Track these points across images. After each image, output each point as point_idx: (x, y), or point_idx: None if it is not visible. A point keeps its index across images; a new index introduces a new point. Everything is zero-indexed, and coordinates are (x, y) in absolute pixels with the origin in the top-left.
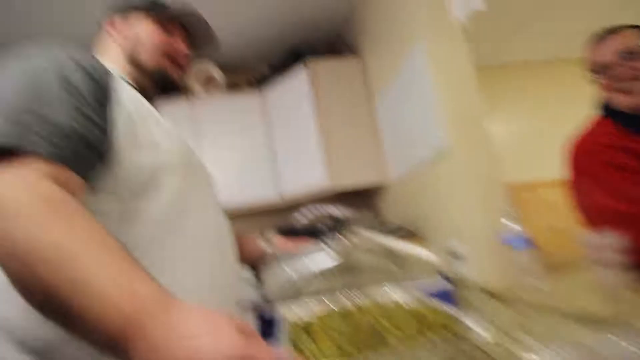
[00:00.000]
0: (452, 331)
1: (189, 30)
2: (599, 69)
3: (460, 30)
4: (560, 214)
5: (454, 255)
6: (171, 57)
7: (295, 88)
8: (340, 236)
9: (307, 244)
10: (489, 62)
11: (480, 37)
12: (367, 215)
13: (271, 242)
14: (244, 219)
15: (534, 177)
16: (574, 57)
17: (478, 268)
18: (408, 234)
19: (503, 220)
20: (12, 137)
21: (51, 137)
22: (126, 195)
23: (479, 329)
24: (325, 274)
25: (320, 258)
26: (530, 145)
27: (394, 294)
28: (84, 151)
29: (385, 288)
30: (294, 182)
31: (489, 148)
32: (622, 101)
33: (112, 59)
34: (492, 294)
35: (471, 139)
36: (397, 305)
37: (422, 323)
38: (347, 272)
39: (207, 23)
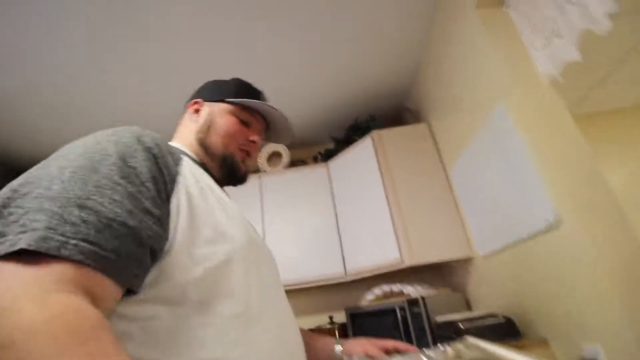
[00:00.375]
0: None
1: (269, 122)
2: None
3: (548, 82)
4: None
5: None
6: (241, 146)
7: (360, 160)
8: (442, 344)
9: (395, 350)
10: (582, 110)
11: (569, 87)
12: (447, 294)
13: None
14: (307, 293)
15: None
16: None
17: None
18: (504, 323)
19: None
20: (46, 241)
21: (89, 236)
22: (184, 299)
23: None
24: None
25: None
26: None
27: None
28: (134, 250)
29: None
30: (362, 257)
31: (615, 209)
32: None
33: (184, 138)
34: None
35: (586, 201)
36: None
37: None
38: None
39: (286, 119)
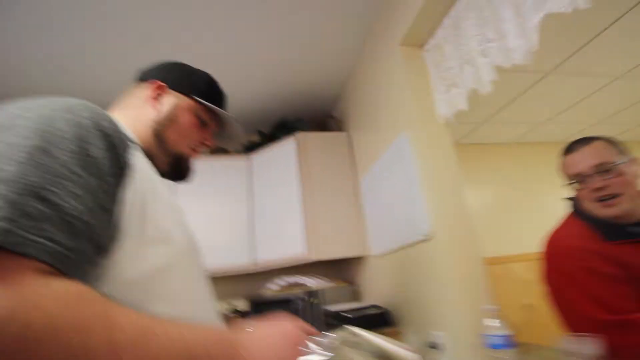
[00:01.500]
0: None
1: (223, 128)
2: (575, 178)
3: (443, 122)
4: (529, 289)
5: (433, 346)
6: (195, 146)
7: (282, 158)
8: (328, 331)
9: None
10: (467, 140)
11: (460, 122)
12: (343, 288)
13: None
14: (217, 281)
15: (504, 251)
16: (541, 140)
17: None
18: (382, 313)
19: (485, 320)
20: (9, 236)
21: (52, 234)
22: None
23: None
24: None
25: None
26: (500, 221)
27: None
28: (88, 248)
29: None
30: (271, 250)
31: (471, 229)
32: (602, 212)
33: (138, 124)
34: None
35: (453, 222)
36: None
37: None
38: None
39: (241, 127)
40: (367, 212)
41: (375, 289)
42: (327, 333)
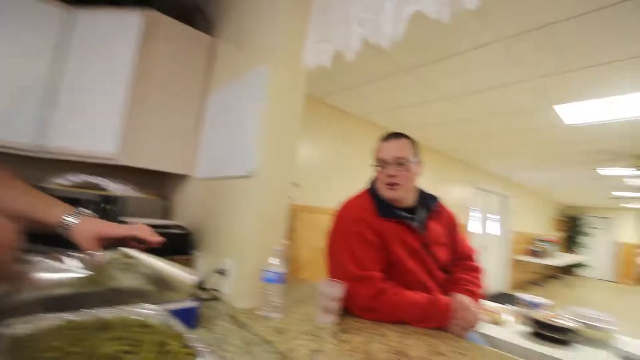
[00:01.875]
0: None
1: None
2: (379, 162)
3: (304, 71)
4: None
5: (220, 272)
6: None
7: (119, 29)
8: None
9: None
10: (327, 100)
11: (322, 77)
12: (153, 202)
13: None
14: None
15: (316, 203)
16: (378, 123)
17: (239, 288)
18: (184, 235)
19: (270, 258)
20: None
21: None
22: None
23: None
24: (67, 284)
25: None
26: (323, 178)
27: (142, 315)
28: None
29: (135, 308)
30: (71, 137)
31: (289, 178)
32: (385, 193)
33: None
34: (232, 317)
35: (277, 167)
36: (142, 327)
37: (161, 346)
38: (96, 286)
39: None
40: (205, 131)
41: (188, 211)
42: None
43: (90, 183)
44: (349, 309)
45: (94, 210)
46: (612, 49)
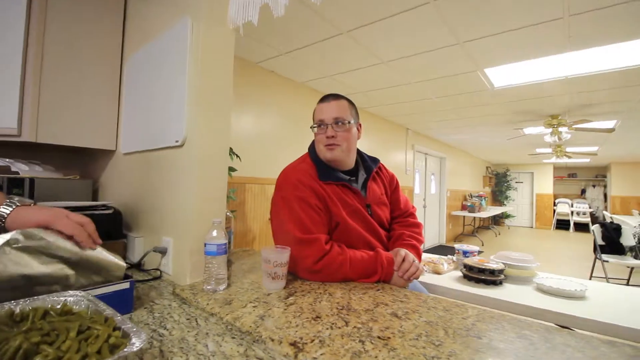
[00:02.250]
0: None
1: None
2: (318, 123)
3: (231, 27)
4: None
5: (159, 250)
6: None
7: None
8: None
9: None
10: (264, 66)
11: (257, 38)
12: (71, 180)
13: None
14: None
15: (262, 174)
16: (319, 90)
17: (181, 265)
18: (112, 214)
19: (211, 231)
20: None
21: None
22: None
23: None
24: None
25: None
26: (266, 146)
27: (61, 303)
28: None
29: (54, 297)
30: None
31: (225, 145)
32: (325, 154)
33: None
34: (176, 294)
35: (209, 133)
36: (61, 314)
37: (85, 332)
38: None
39: None
40: (125, 100)
41: (117, 190)
42: None
43: None
44: (296, 273)
45: None
46: (541, 11)
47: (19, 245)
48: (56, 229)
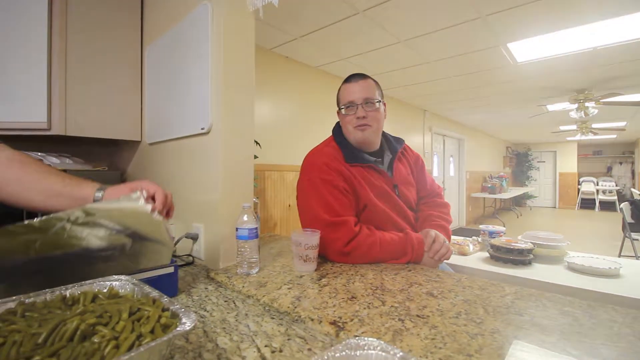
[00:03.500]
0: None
1: None
2: (347, 104)
3: (251, 10)
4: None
5: (191, 237)
6: None
7: None
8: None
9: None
10: (280, 51)
11: (273, 24)
12: (99, 171)
13: None
14: None
15: (281, 161)
16: (335, 74)
17: (214, 250)
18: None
19: (241, 215)
20: None
21: None
22: None
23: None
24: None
25: None
26: (284, 134)
27: (108, 287)
28: None
29: (100, 281)
30: (5, 108)
31: (250, 131)
32: (355, 135)
33: None
34: (211, 279)
35: (234, 120)
36: (111, 297)
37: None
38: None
39: None
40: (147, 91)
41: (145, 179)
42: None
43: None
44: (326, 256)
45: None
46: None
47: (80, 221)
48: (144, 188)
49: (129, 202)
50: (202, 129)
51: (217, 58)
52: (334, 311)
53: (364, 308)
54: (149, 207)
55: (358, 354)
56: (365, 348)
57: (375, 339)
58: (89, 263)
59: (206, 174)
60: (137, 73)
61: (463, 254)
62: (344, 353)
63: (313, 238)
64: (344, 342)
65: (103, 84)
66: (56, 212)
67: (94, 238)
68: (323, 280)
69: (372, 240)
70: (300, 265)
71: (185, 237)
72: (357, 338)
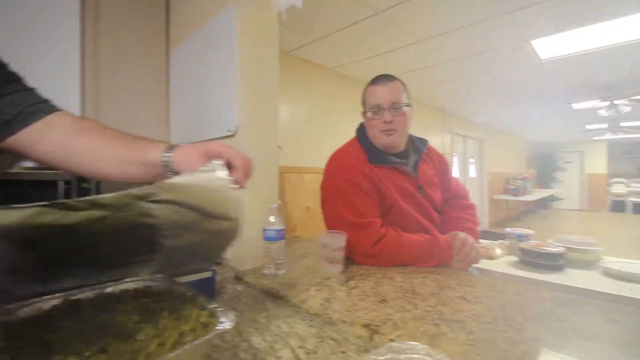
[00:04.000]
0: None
1: None
2: (373, 107)
3: (276, 12)
4: (313, 196)
5: None
6: None
7: None
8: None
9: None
10: (297, 54)
11: (291, 27)
12: None
13: None
14: None
15: (299, 163)
16: (352, 76)
17: (241, 251)
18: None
19: (267, 217)
20: None
21: None
22: None
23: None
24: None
25: None
26: (302, 136)
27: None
28: None
29: (139, 280)
30: None
31: (274, 135)
32: (381, 139)
33: None
34: (239, 279)
35: (260, 122)
36: (153, 296)
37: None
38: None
39: None
40: (174, 94)
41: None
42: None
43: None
44: (352, 258)
45: (66, 190)
46: None
47: (152, 198)
48: (222, 154)
49: (208, 175)
50: (229, 131)
51: (242, 60)
52: (365, 314)
53: (396, 311)
54: (231, 183)
55: (403, 358)
56: (409, 352)
57: (418, 343)
58: (150, 247)
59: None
60: (163, 77)
61: (490, 257)
62: (389, 356)
63: (339, 240)
64: (387, 346)
65: (131, 88)
66: (127, 181)
67: (165, 215)
68: (350, 282)
69: (399, 242)
70: (327, 266)
71: None
72: (399, 342)
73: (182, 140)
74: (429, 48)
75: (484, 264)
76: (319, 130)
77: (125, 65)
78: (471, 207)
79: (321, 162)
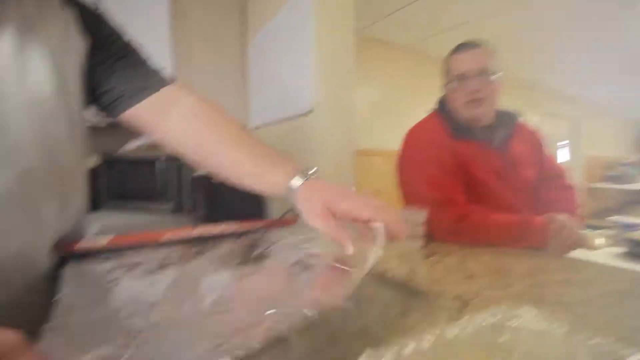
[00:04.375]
0: None
1: None
2: (455, 77)
3: None
4: (380, 179)
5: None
6: None
7: None
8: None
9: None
10: (366, 34)
11: (366, 7)
12: None
13: None
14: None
15: (371, 145)
16: (427, 54)
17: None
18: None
19: None
20: None
21: None
22: None
23: None
24: None
25: None
26: (372, 117)
27: None
28: None
29: None
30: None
31: (350, 114)
32: (467, 111)
33: None
34: None
35: (336, 103)
36: None
37: None
38: None
39: None
40: (253, 79)
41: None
42: None
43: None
44: (432, 234)
45: (166, 168)
46: None
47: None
48: (378, 214)
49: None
50: (306, 108)
51: (318, 41)
52: (454, 287)
53: (486, 289)
54: (381, 250)
55: (515, 322)
56: (520, 317)
57: (531, 307)
58: None
59: (309, 155)
60: (241, 64)
61: (589, 247)
62: (499, 317)
63: (420, 216)
64: (490, 311)
65: (216, 77)
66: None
67: None
68: (433, 257)
69: (484, 221)
70: (407, 241)
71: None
72: (503, 307)
73: (260, 120)
74: (520, 13)
75: (580, 253)
76: (388, 111)
77: (210, 57)
78: (570, 187)
79: (392, 145)
